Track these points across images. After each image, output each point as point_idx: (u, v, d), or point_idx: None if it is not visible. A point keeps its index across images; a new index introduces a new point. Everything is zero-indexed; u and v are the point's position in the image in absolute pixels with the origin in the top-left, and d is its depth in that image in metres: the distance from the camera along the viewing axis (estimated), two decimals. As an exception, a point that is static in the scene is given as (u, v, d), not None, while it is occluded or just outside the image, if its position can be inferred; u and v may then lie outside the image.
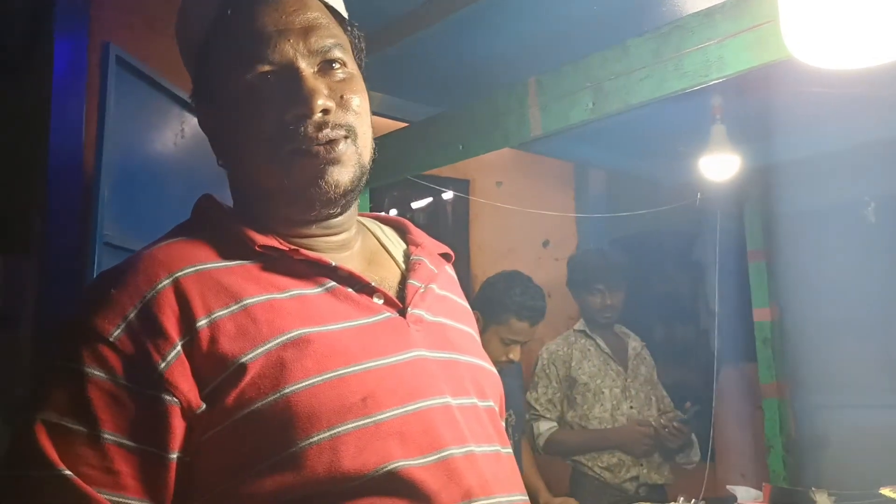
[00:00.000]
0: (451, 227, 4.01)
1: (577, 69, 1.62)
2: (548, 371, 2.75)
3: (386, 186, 3.37)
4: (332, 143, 0.81)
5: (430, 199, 3.97)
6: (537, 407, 2.70)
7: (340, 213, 0.87)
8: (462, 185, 3.88)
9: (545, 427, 2.67)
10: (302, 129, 0.80)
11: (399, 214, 4.00)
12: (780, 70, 1.23)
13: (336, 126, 0.82)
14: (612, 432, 2.67)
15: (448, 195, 3.86)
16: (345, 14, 0.93)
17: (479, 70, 2.27)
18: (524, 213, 3.68)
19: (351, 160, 0.83)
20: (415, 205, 4.09)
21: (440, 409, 0.80)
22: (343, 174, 0.83)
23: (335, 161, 0.82)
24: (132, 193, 2.16)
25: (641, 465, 2.67)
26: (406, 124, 2.14)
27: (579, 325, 2.85)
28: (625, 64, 1.53)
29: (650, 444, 2.64)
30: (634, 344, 2.87)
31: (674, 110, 2.11)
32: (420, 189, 3.53)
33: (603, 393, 2.70)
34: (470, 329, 1.00)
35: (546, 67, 1.69)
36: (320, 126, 0.81)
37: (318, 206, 0.84)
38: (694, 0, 1.83)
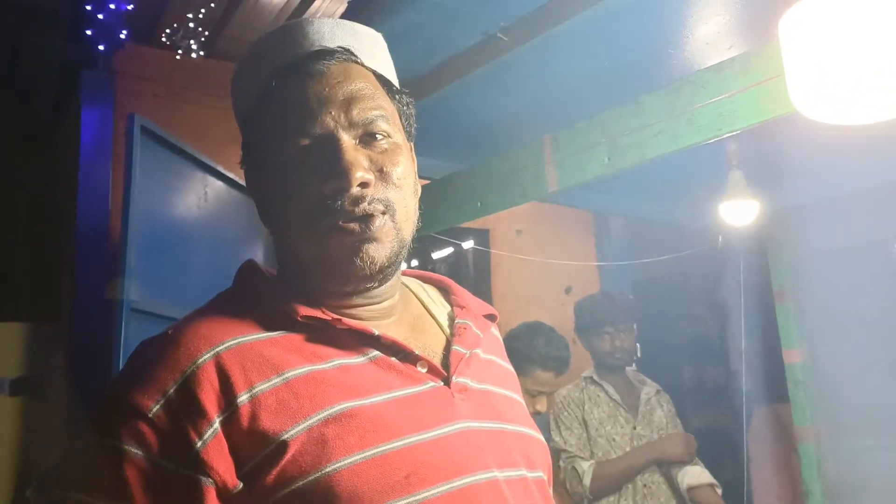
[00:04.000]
0: (473, 277, 4.00)
1: (592, 125, 1.64)
2: (567, 413, 2.71)
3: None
4: (368, 218, 0.80)
5: (450, 250, 3.98)
6: (569, 448, 2.63)
7: (380, 285, 0.86)
8: (482, 235, 3.89)
9: (587, 465, 2.59)
10: (340, 202, 0.79)
11: (420, 265, 4.03)
12: (799, 114, 1.23)
13: (374, 200, 0.80)
14: (655, 443, 2.62)
15: (469, 244, 3.87)
16: (394, 81, 0.93)
17: (496, 128, 2.29)
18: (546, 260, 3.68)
19: (388, 236, 0.82)
20: (436, 255, 4.09)
21: (487, 484, 0.78)
22: (380, 251, 0.81)
23: (371, 238, 0.80)
24: (158, 258, 2.18)
25: None
26: (426, 181, 2.16)
27: (588, 371, 2.82)
28: (639, 119, 1.54)
29: (692, 445, 2.61)
30: (647, 390, 2.81)
31: (691, 156, 2.11)
32: (441, 240, 3.55)
33: (614, 440, 2.66)
34: (516, 395, 0.97)
35: (561, 124, 1.71)
36: (357, 200, 0.79)
37: (355, 281, 0.83)
38: (704, 56, 1.85)
